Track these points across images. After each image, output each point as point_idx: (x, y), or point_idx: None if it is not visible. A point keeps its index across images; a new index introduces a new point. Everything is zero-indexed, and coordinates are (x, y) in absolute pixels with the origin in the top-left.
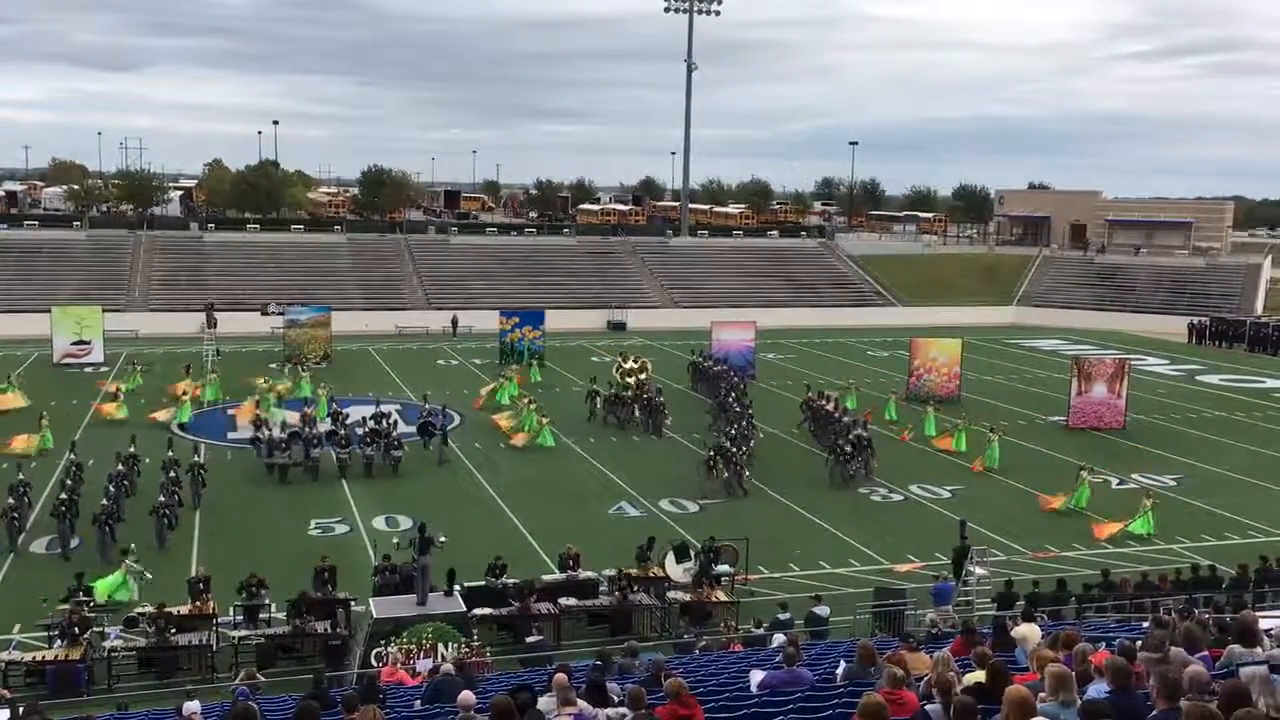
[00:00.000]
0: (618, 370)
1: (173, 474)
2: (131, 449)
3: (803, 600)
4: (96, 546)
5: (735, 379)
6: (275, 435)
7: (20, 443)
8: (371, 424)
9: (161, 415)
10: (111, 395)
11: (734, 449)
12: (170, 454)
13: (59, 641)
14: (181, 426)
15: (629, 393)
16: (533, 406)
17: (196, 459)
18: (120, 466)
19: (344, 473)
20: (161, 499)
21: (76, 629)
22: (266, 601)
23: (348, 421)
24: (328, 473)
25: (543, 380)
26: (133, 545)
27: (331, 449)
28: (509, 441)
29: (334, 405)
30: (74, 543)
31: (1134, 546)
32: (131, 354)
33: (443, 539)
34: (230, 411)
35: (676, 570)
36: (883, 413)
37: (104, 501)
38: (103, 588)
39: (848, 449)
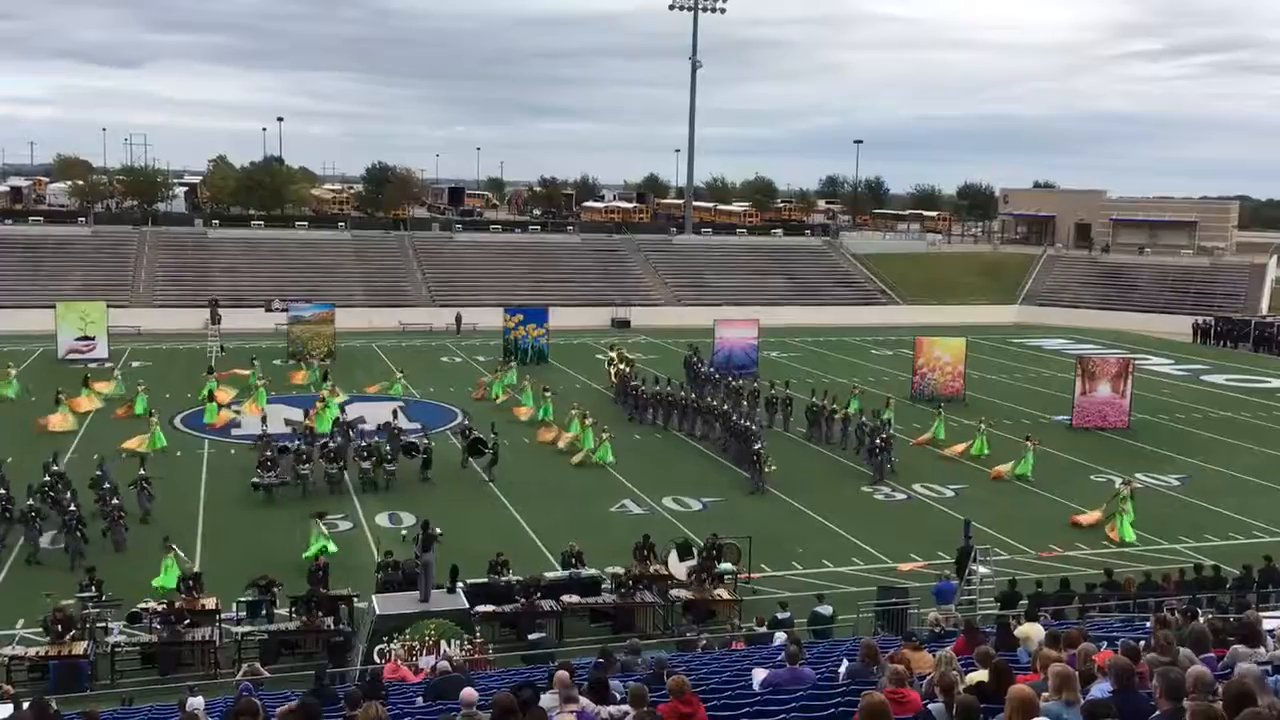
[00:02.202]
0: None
1: (98, 492)
2: (55, 464)
3: (805, 599)
4: (69, 553)
5: (723, 379)
6: (265, 454)
7: (133, 443)
8: (374, 435)
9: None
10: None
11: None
12: (99, 472)
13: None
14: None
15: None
16: (589, 422)
17: (142, 473)
18: (46, 477)
19: (334, 489)
20: (73, 508)
21: (59, 627)
22: (270, 598)
23: (362, 427)
24: (319, 488)
25: (515, 383)
26: None
27: (323, 464)
28: (572, 461)
29: (343, 415)
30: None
31: (1138, 546)
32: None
33: (437, 530)
34: (236, 408)
35: (679, 569)
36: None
37: (72, 508)
38: None
39: (880, 441)
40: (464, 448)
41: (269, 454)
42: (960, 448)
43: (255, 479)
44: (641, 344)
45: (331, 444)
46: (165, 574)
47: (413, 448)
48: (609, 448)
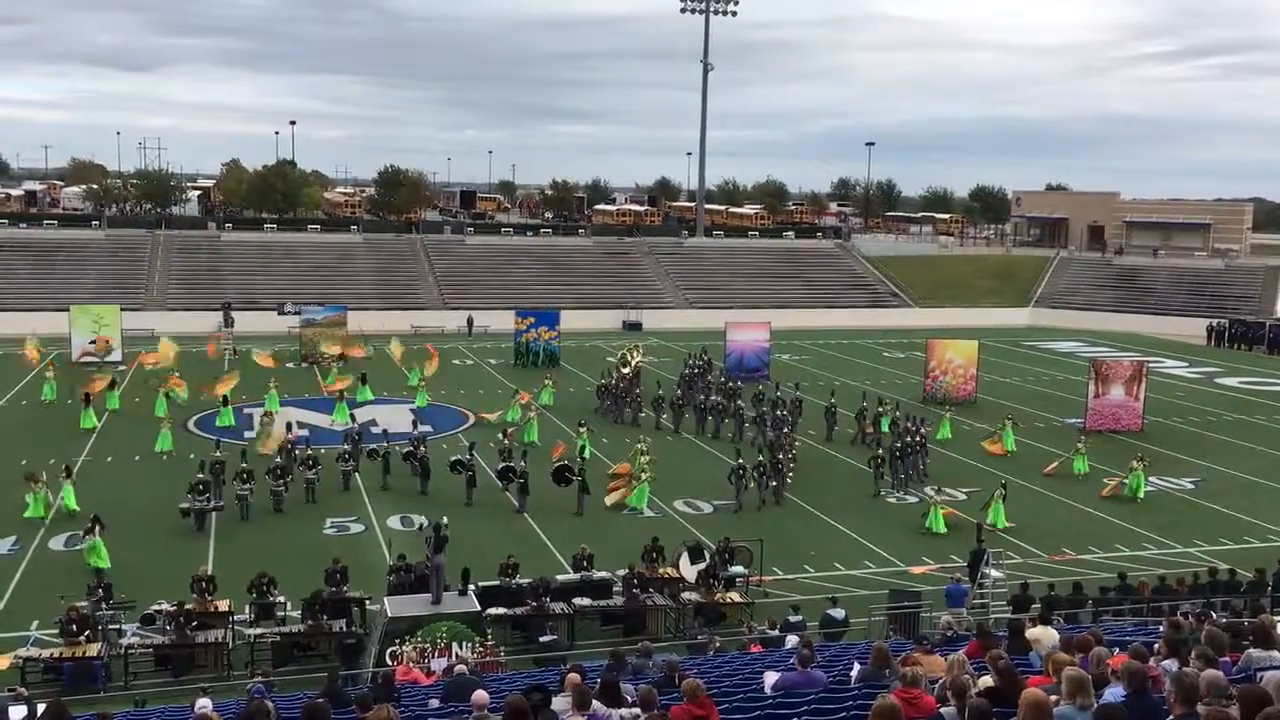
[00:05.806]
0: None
1: None
2: None
3: (817, 602)
4: None
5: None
6: (198, 476)
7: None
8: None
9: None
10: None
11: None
12: None
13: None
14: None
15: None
16: (646, 458)
17: None
18: None
19: (246, 514)
20: None
21: (74, 627)
22: (281, 599)
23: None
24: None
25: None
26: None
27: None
28: (606, 502)
29: (352, 422)
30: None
31: (1151, 549)
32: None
33: (444, 520)
34: (247, 411)
35: (691, 571)
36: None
37: None
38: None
39: (897, 447)
40: (494, 475)
41: (201, 475)
42: (1053, 465)
43: (184, 504)
44: (653, 346)
45: (278, 459)
46: (97, 555)
47: (411, 455)
48: (645, 490)
